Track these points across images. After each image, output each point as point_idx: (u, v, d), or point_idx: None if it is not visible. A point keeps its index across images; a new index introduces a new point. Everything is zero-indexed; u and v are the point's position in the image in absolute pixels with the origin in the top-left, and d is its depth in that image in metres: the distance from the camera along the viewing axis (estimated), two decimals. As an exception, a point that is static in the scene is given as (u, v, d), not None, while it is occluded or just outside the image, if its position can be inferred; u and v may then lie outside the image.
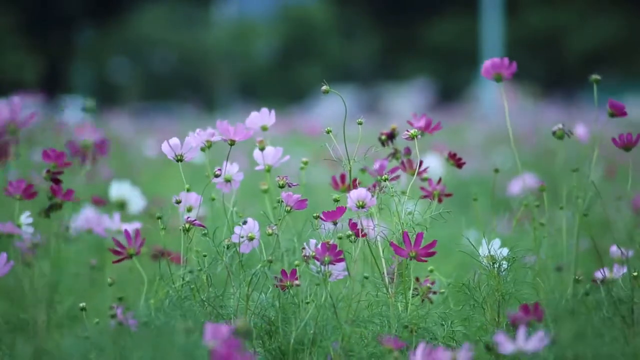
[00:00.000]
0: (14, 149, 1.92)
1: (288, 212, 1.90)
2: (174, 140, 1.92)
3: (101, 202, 2.96)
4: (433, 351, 1.61)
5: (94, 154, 1.88)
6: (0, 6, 25.41)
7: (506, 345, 1.59)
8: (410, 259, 1.84)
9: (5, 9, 25.46)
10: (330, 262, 1.82)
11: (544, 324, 1.89)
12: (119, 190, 2.79)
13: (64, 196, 1.93)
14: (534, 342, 1.58)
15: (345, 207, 1.88)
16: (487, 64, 1.99)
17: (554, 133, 2.00)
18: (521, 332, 1.59)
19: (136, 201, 2.80)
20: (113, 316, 1.77)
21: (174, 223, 1.96)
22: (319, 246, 1.83)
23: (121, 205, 2.78)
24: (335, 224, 1.88)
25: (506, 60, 1.99)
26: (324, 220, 1.88)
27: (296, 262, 1.88)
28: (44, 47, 25.99)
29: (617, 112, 1.94)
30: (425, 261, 1.85)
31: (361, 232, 1.88)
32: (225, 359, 1.44)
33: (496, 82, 1.99)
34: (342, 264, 1.87)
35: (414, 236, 1.85)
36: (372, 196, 1.88)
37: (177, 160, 1.92)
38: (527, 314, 1.71)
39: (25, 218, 1.95)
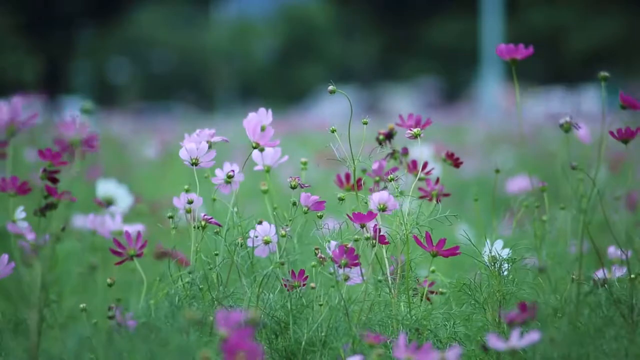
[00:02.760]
0: (10, 150, 1.91)
1: (306, 212, 1.90)
2: (190, 145, 1.92)
3: (102, 203, 2.95)
4: (419, 346, 1.60)
5: (83, 150, 1.87)
6: (0, 6, 25.41)
7: (497, 344, 1.60)
8: (433, 257, 1.86)
9: (5, 9, 25.47)
10: (347, 265, 1.81)
11: (544, 324, 1.89)
12: (106, 188, 2.79)
13: (60, 196, 1.93)
14: (527, 340, 1.60)
15: (372, 212, 1.87)
16: (501, 46, 2.00)
17: (561, 126, 1.99)
18: (515, 331, 1.61)
19: (123, 199, 2.79)
20: (111, 317, 1.77)
21: (173, 223, 1.96)
22: (337, 249, 1.82)
23: (109, 203, 2.77)
24: (363, 226, 1.86)
25: (521, 45, 2.00)
26: (354, 222, 1.86)
27: (312, 264, 1.87)
28: (44, 47, 25.99)
29: (628, 104, 1.93)
30: (447, 256, 1.86)
31: (382, 238, 1.87)
32: (236, 347, 1.43)
33: (509, 68, 2.00)
34: (357, 267, 1.86)
35: (418, 237, 1.85)
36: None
37: (193, 165, 1.92)
38: (524, 312, 1.71)
39: (19, 213, 1.95)
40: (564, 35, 25.80)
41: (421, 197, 2.05)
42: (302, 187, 1.91)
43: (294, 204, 1.90)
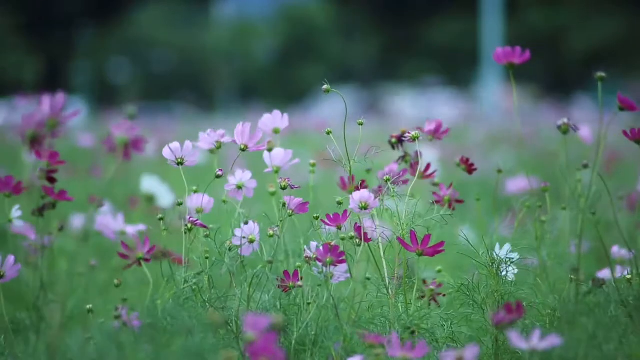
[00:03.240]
0: (49, 142, 1.90)
1: (290, 215, 1.89)
2: (175, 144, 1.91)
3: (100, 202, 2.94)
4: (413, 345, 1.61)
5: (129, 151, 1.86)
6: (0, 6, 25.41)
7: (520, 343, 1.60)
8: (419, 257, 1.85)
9: (5, 9, 25.47)
10: (332, 264, 1.82)
11: (544, 324, 1.89)
12: (149, 184, 2.75)
13: (57, 196, 1.93)
14: (548, 342, 1.60)
15: (348, 211, 1.87)
16: (498, 50, 1.99)
17: (559, 127, 1.99)
18: (536, 333, 1.61)
19: (165, 196, 2.76)
20: (117, 317, 1.77)
21: (179, 224, 1.96)
22: (321, 247, 1.82)
23: (150, 200, 2.74)
24: (339, 228, 1.87)
25: (518, 48, 1.99)
26: (327, 224, 1.87)
27: (298, 264, 1.88)
28: (44, 47, 25.99)
29: (626, 106, 1.93)
30: (432, 254, 1.85)
31: (365, 236, 1.87)
32: (262, 351, 1.47)
33: (508, 69, 1.99)
34: (344, 266, 1.86)
35: (413, 236, 1.85)
36: (375, 198, 1.87)
37: (178, 164, 1.91)
38: (510, 313, 1.71)
39: (15, 212, 1.95)
40: (564, 35, 25.79)
41: (435, 202, 2.03)
42: (292, 188, 1.90)
43: (284, 205, 1.90)
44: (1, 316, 1.89)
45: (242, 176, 1.95)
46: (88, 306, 1.91)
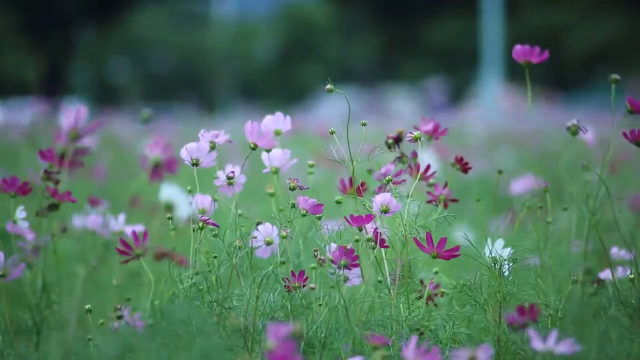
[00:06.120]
0: (83, 158, 1.92)
1: (304, 215, 1.89)
2: (191, 145, 1.92)
3: (97, 202, 2.95)
4: (426, 349, 1.62)
5: (163, 170, 1.88)
6: (0, 6, 25.41)
7: (537, 344, 1.60)
8: (433, 259, 1.85)
9: (5, 8, 25.46)
10: (346, 267, 1.81)
11: (546, 325, 1.89)
12: (169, 192, 2.77)
13: (62, 197, 1.92)
14: (565, 347, 1.60)
15: (370, 213, 1.87)
16: (517, 47, 2.00)
17: (568, 128, 1.98)
18: (552, 335, 1.61)
19: (184, 206, 2.78)
20: (120, 317, 1.76)
21: (172, 224, 1.96)
22: (337, 250, 1.82)
23: (169, 208, 2.76)
24: (360, 229, 1.86)
25: (537, 48, 2.00)
26: (352, 225, 1.86)
27: (312, 265, 1.87)
28: (44, 47, 25.98)
29: (636, 109, 1.92)
30: (448, 258, 1.85)
31: (382, 242, 1.86)
32: (281, 359, 1.49)
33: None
34: (357, 268, 1.85)
35: (418, 238, 1.85)
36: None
37: (193, 165, 1.92)
38: (524, 315, 1.71)
39: (19, 213, 1.95)
40: (564, 35, 25.78)
41: (429, 202, 2.04)
42: (301, 189, 1.90)
43: (293, 206, 1.89)
44: (2, 316, 1.89)
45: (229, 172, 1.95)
46: (87, 306, 1.90)
